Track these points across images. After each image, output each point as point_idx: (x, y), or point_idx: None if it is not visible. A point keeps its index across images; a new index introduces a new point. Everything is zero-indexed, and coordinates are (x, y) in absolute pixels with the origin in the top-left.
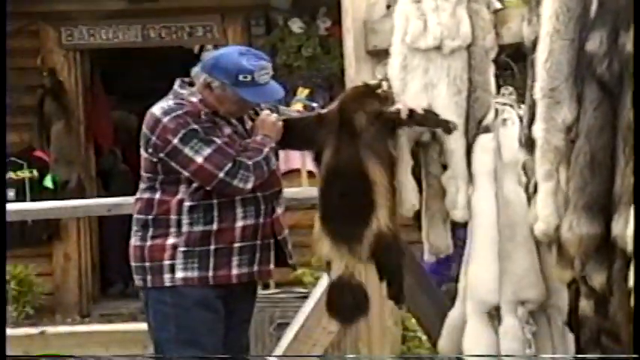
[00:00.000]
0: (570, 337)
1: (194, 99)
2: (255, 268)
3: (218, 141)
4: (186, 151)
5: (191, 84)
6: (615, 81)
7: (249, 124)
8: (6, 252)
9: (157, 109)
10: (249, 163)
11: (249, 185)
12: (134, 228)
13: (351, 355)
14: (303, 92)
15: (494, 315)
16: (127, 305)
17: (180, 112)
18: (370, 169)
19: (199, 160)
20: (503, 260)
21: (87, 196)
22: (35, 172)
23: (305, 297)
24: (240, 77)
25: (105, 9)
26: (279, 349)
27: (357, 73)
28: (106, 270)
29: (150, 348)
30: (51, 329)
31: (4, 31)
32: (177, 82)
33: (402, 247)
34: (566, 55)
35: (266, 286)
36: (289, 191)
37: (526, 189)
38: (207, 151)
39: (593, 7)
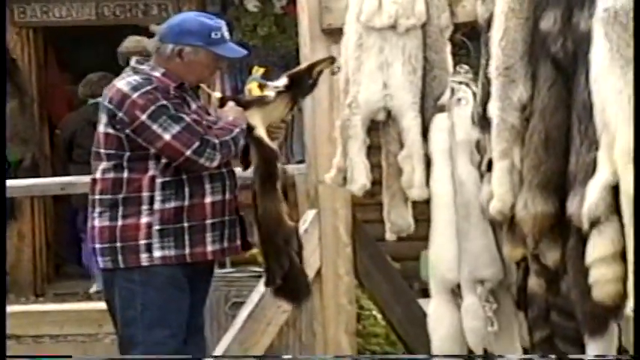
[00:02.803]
0: None
1: (157, 73)
2: (225, 244)
3: (187, 118)
4: (155, 127)
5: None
6: (569, 60)
7: (200, 101)
8: (6, 251)
9: (123, 85)
10: (216, 141)
11: (215, 164)
12: (98, 209)
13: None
14: (258, 71)
15: (457, 293)
16: (81, 284)
17: (149, 87)
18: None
19: (167, 137)
20: (461, 239)
21: (41, 174)
22: None
23: (260, 276)
24: (212, 35)
25: None
26: (234, 328)
27: (311, 51)
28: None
29: (105, 327)
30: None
31: (3, 32)
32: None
33: (284, 234)
34: (521, 33)
35: (222, 265)
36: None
37: (479, 167)
38: (176, 128)
39: None
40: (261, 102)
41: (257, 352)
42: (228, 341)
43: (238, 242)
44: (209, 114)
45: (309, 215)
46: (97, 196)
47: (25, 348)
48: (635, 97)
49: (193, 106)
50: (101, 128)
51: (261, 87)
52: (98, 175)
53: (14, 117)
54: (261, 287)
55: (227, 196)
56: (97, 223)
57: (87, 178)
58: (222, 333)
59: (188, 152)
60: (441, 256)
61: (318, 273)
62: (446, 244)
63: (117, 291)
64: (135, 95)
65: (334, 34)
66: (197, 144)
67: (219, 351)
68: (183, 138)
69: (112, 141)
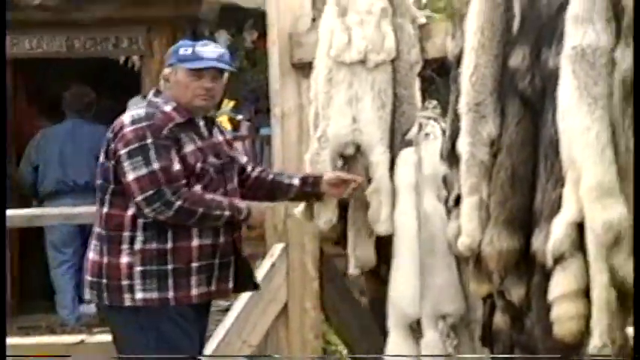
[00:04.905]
0: None
1: (167, 108)
2: (213, 287)
3: (158, 164)
4: (126, 164)
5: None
6: (537, 96)
7: (219, 137)
8: (5, 252)
9: (127, 117)
10: (175, 202)
11: (162, 218)
12: (93, 241)
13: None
14: (228, 104)
15: (415, 328)
16: (46, 318)
17: (145, 123)
18: None
19: (130, 177)
20: (424, 274)
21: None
22: None
23: (226, 310)
24: (182, 51)
25: (29, 19)
26: None
27: (282, 85)
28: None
29: None
30: None
31: (3, 31)
32: (152, 91)
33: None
34: (491, 69)
35: None
36: None
37: (445, 203)
38: (142, 171)
39: (516, 22)
40: None
41: None
42: None
43: (230, 285)
44: (231, 146)
45: (277, 249)
46: (94, 228)
47: None
48: (634, 100)
49: (190, 147)
50: (100, 158)
51: (231, 120)
52: (96, 206)
53: None
54: (227, 322)
55: (221, 239)
56: (90, 255)
57: (54, 211)
58: None
59: (139, 197)
60: (402, 291)
61: (285, 307)
62: (407, 279)
63: (113, 329)
64: (128, 129)
65: (304, 68)
66: (150, 192)
67: None
68: (142, 182)
69: (102, 172)
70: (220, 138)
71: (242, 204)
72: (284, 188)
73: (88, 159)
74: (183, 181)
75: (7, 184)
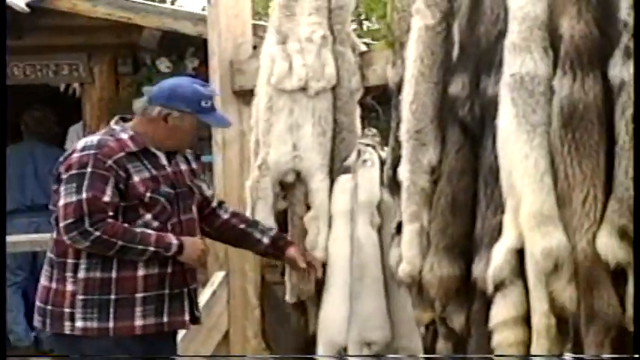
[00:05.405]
0: None
1: (124, 135)
2: (165, 318)
3: (84, 195)
4: (62, 189)
5: (127, 120)
6: (477, 124)
7: (181, 166)
8: (6, 255)
9: (80, 143)
10: (93, 233)
11: (80, 247)
12: (45, 266)
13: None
14: None
15: (342, 355)
16: None
17: (92, 151)
18: None
19: (61, 202)
20: (353, 300)
21: None
22: None
23: None
24: (203, 103)
25: None
26: None
27: (223, 112)
28: None
29: None
30: None
31: (4, 31)
32: (114, 119)
33: None
34: (431, 97)
35: None
36: None
37: (379, 230)
38: (72, 198)
39: (455, 51)
40: None
41: None
42: None
43: (187, 317)
44: (195, 175)
45: (218, 277)
46: (47, 253)
47: None
48: (635, 106)
49: (139, 177)
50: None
51: None
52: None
53: None
54: None
55: (169, 269)
56: (41, 280)
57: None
58: None
59: (61, 224)
60: (332, 318)
61: (226, 335)
62: (338, 305)
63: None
64: (75, 154)
65: (245, 95)
66: (70, 220)
67: None
68: (68, 209)
69: (52, 196)
70: (183, 167)
71: (174, 240)
72: (253, 242)
73: (47, 180)
74: (110, 213)
75: None
